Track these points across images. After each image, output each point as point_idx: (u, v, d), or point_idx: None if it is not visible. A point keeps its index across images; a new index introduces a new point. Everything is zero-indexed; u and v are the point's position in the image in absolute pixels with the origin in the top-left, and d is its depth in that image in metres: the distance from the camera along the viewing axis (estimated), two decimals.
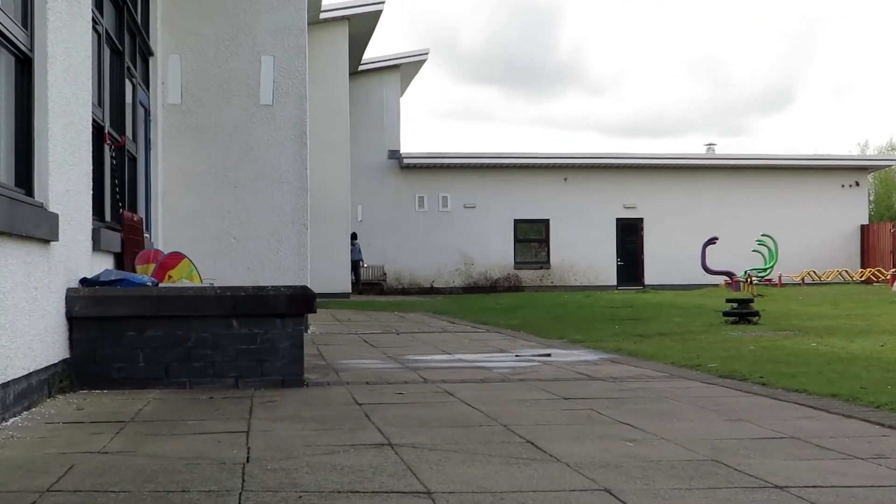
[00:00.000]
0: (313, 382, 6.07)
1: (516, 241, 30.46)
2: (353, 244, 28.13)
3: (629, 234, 31.04)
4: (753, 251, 27.58)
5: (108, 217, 7.66)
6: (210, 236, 10.61)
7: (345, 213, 24.20)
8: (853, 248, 31.85)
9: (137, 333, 5.69)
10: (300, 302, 5.88)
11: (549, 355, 8.33)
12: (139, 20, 9.57)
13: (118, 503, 2.79)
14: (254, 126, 10.78)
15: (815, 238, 31.54)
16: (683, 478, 3.17)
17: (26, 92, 5.10)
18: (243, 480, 3.09)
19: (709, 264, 24.80)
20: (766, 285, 26.21)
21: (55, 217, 5.20)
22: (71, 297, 5.62)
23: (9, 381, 4.42)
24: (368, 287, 28.73)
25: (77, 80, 5.92)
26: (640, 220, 31.00)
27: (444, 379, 6.31)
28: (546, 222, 30.62)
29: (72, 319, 5.62)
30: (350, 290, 24.39)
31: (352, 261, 28.05)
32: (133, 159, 9.49)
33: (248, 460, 3.44)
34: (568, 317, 14.33)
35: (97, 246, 6.59)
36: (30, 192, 5.09)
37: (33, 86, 5.13)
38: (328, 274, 22.91)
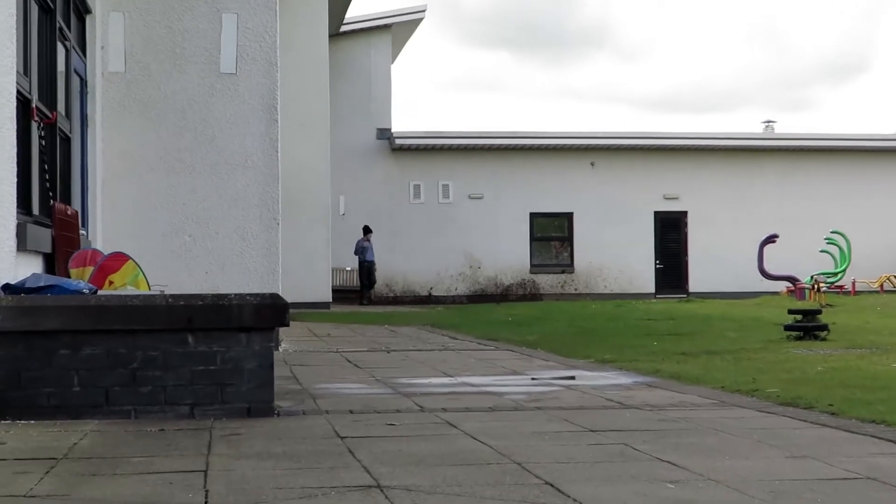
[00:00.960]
0: (286, 411, 6.07)
1: (533, 239, 30.47)
2: (366, 240, 28.13)
3: (670, 231, 31.04)
4: (821, 251, 27.61)
5: (35, 210, 7.66)
6: (160, 234, 10.61)
7: (323, 205, 24.22)
8: None
9: (72, 352, 5.69)
10: (270, 313, 5.89)
11: (572, 378, 8.33)
12: None
13: None
14: (213, 99, 10.78)
15: None
16: None
17: None
18: None
19: (767, 267, 24.85)
20: (837, 293, 26.22)
21: None
22: None
23: None
24: (353, 295, 28.73)
25: None
26: (684, 213, 31.00)
27: (445, 407, 6.32)
28: (569, 216, 30.63)
29: None
30: (330, 300, 24.40)
31: (363, 262, 28.04)
32: (66, 139, 9.50)
33: None
34: (596, 331, 14.34)
35: (23, 245, 6.59)
36: None
37: None
38: (304, 279, 22.93)
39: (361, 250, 28.04)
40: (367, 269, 28.04)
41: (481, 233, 30.01)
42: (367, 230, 28.32)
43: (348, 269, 29.21)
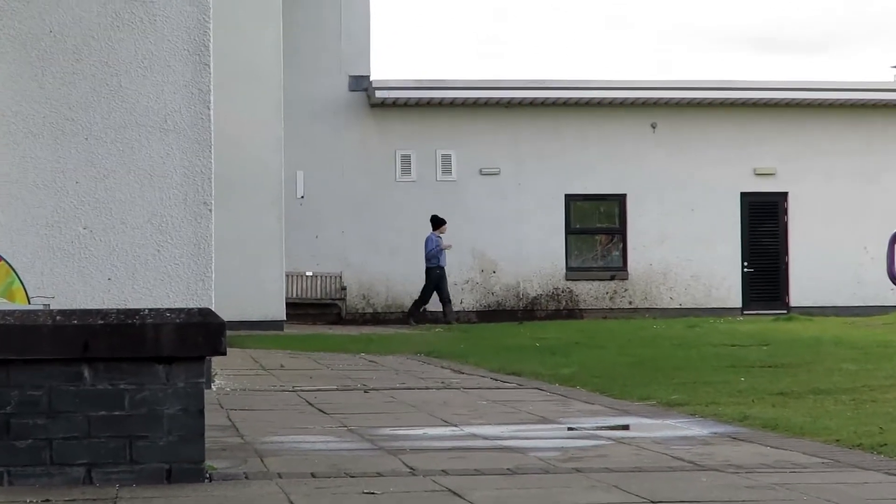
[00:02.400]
0: (221, 475, 6.06)
1: (570, 232, 30.43)
2: (437, 237, 27.98)
3: (764, 221, 30.99)
4: None
5: None
6: (43, 224, 10.60)
7: (274, 185, 24.18)
8: None
9: None
10: (199, 336, 5.88)
11: (625, 428, 8.33)
12: None
13: None
14: (119, 35, 10.77)
15: None
16: None
17: None
18: None
19: None
20: None
21: None
22: None
23: None
24: (315, 310, 28.71)
25: None
26: (783, 196, 30.96)
27: (446, 468, 6.32)
28: (621, 200, 30.59)
29: None
30: (284, 317, 24.39)
31: (437, 268, 27.84)
32: None
33: None
34: (659, 362, 14.33)
35: None
36: None
37: None
38: (247, 289, 22.90)
39: (438, 254, 27.86)
40: (437, 280, 27.91)
41: (497, 223, 29.96)
42: (436, 222, 28.11)
43: (309, 274, 29.18)
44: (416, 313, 27.77)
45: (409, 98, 29.92)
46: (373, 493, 5.52)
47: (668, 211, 30.39)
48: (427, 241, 27.86)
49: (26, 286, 8.34)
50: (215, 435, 7.54)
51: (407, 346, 18.46)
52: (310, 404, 9.99)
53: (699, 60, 77.95)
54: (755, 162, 30.85)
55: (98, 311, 5.97)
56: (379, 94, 29.53)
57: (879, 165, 31.11)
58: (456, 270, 29.81)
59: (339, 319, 28.72)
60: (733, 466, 6.41)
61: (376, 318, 29.16)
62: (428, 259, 27.84)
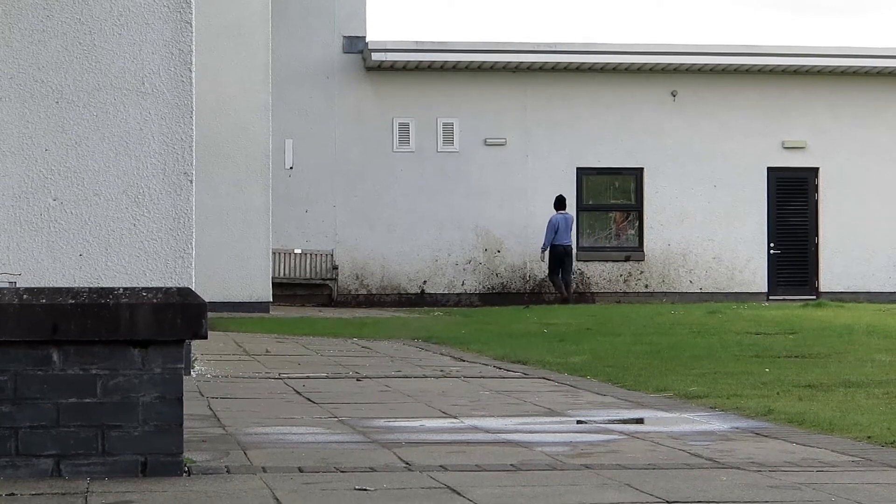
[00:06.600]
0: (201, 468, 6.07)
1: (582, 208, 30.39)
2: (562, 216, 28.13)
3: (792, 199, 30.94)
4: None
5: None
6: (9, 195, 10.59)
7: (260, 154, 24.13)
8: None
9: None
10: (178, 317, 5.88)
11: (640, 421, 8.33)
12: None
13: None
14: None
15: None
16: None
17: None
18: None
19: None
20: None
21: None
22: None
23: None
24: (304, 291, 28.71)
25: None
26: (814, 171, 30.91)
27: (445, 464, 6.33)
28: (637, 175, 30.53)
29: None
30: (270, 298, 24.40)
31: (555, 248, 28.07)
32: None
33: None
34: (676, 351, 14.34)
35: None
36: None
37: None
38: (230, 267, 22.89)
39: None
40: (560, 260, 28.31)
41: (502, 198, 29.92)
42: (559, 203, 28.45)
43: (297, 251, 29.17)
44: (566, 291, 28.11)
45: (409, 61, 29.85)
46: (365, 490, 5.52)
47: (688, 187, 30.34)
48: (568, 221, 28.26)
49: None
50: (195, 425, 7.55)
51: (403, 331, 18.46)
52: (297, 393, 9.99)
53: (723, 23, 77.74)
54: (784, 134, 30.78)
55: (68, 290, 5.96)
56: (375, 56, 29.45)
57: None
58: (458, 249, 29.82)
59: (330, 301, 28.71)
60: (756, 464, 6.42)
61: (370, 301, 29.15)
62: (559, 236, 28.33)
